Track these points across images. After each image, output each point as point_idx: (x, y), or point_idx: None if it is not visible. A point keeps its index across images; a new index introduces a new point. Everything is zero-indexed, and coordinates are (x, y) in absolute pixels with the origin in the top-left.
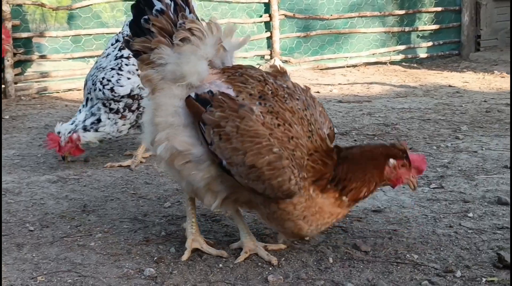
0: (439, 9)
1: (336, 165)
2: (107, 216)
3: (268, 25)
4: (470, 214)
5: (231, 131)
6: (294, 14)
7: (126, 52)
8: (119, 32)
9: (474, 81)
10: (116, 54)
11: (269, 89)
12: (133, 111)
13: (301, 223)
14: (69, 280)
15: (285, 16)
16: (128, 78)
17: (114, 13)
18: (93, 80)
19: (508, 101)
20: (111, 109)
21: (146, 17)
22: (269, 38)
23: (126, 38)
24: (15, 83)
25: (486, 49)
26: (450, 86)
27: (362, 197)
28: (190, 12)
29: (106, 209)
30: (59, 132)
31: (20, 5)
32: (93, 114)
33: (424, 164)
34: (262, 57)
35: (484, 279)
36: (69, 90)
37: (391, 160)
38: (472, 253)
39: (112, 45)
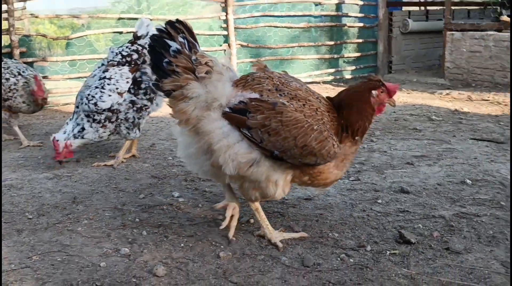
0: (360, 40)
1: (337, 115)
2: (93, 206)
3: (226, 52)
4: (380, 201)
5: (277, 126)
6: (248, 44)
7: (108, 74)
8: (105, 58)
9: None
10: (101, 75)
11: (276, 80)
12: (112, 122)
13: (337, 173)
14: (59, 259)
15: (241, 45)
16: (109, 95)
17: (103, 42)
18: (81, 96)
19: (411, 112)
20: (94, 120)
21: (167, 60)
22: None
23: (154, 82)
24: None
25: (396, 72)
26: None
27: (368, 128)
28: (198, 46)
29: (92, 200)
30: (57, 140)
31: (26, 36)
32: (78, 124)
33: (396, 87)
34: None
35: (388, 252)
36: (67, 104)
37: (373, 92)
38: (380, 232)
39: (98, 67)
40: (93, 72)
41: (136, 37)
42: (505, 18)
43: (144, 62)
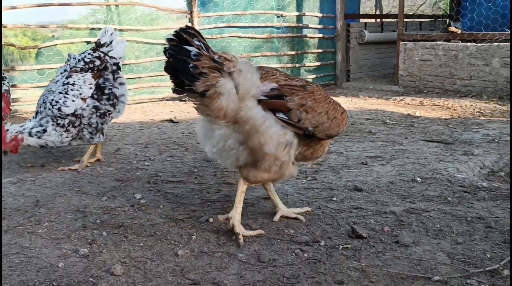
0: (320, 50)
1: None
2: (55, 208)
3: None
4: (335, 198)
5: (312, 103)
6: None
7: (72, 80)
8: (66, 64)
9: (345, 103)
10: (64, 81)
11: (277, 71)
12: (75, 127)
13: (329, 143)
14: (17, 260)
15: None
16: (73, 101)
17: (73, 51)
18: (43, 100)
19: (367, 117)
20: (58, 124)
21: (192, 65)
22: None
23: (188, 87)
24: None
25: (354, 80)
26: None
27: None
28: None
29: (55, 203)
30: (7, 129)
31: None
32: (41, 125)
33: None
34: None
35: (341, 246)
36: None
37: None
38: (334, 228)
39: (61, 73)
40: (56, 77)
41: (99, 45)
42: (453, 29)
43: (106, 68)
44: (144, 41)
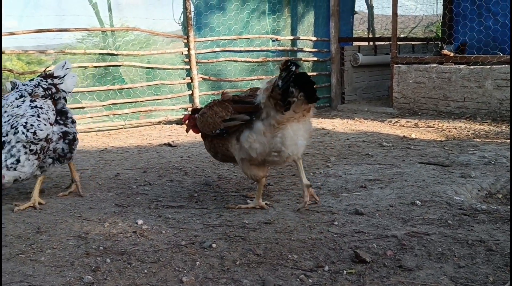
0: (315, 73)
1: None
2: (56, 235)
3: (190, 85)
4: (336, 223)
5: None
6: (209, 77)
7: (39, 104)
8: (16, 90)
9: (340, 125)
10: (30, 104)
11: None
12: (44, 154)
13: None
14: None
15: (203, 78)
16: (45, 124)
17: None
18: (11, 125)
19: (364, 139)
20: (31, 150)
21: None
22: (191, 95)
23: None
24: None
25: (349, 102)
26: (323, 128)
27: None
28: None
29: (56, 230)
30: None
31: None
32: (12, 156)
33: None
34: (186, 109)
35: (345, 271)
36: None
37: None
38: (337, 252)
39: (16, 99)
40: (8, 104)
41: (51, 76)
42: (445, 51)
43: (60, 98)
44: (140, 65)
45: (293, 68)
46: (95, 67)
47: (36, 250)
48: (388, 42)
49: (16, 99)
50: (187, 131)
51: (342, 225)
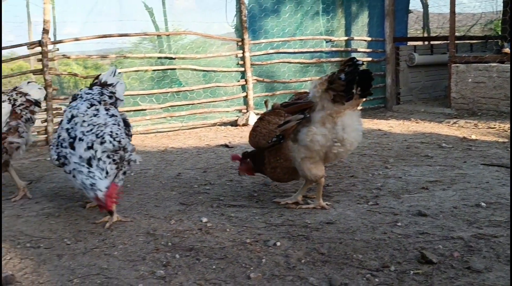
0: None
1: None
2: (126, 231)
3: (244, 87)
4: (399, 224)
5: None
6: (263, 79)
7: (114, 112)
8: (82, 99)
9: (396, 126)
10: (107, 113)
11: None
12: (121, 163)
13: None
14: (98, 281)
15: (257, 80)
16: (122, 133)
17: (129, 80)
18: (96, 134)
19: (422, 140)
20: (113, 160)
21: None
22: (245, 97)
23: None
24: (55, 132)
25: (404, 103)
26: (379, 130)
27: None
28: None
29: (126, 226)
30: (107, 186)
31: (58, 75)
32: (102, 169)
33: None
34: (240, 111)
35: (411, 272)
36: None
37: None
38: (402, 253)
39: (88, 108)
40: (79, 111)
41: (106, 84)
42: (506, 50)
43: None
44: (197, 68)
45: (359, 63)
46: (154, 70)
47: (109, 245)
48: (445, 41)
49: (88, 108)
50: (240, 174)
51: (406, 226)
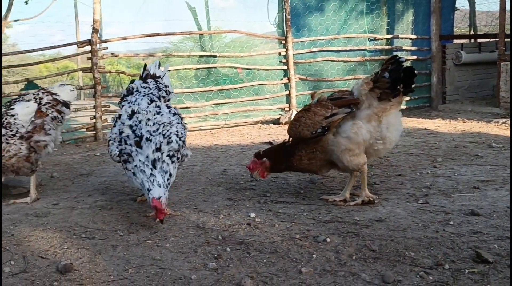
0: None
1: None
2: (177, 225)
3: (287, 86)
4: (451, 222)
5: None
6: (306, 77)
7: (176, 110)
8: (143, 93)
9: (443, 125)
10: (169, 110)
11: None
12: (180, 161)
13: None
14: (153, 272)
15: (300, 79)
16: (185, 131)
17: (174, 78)
18: (163, 135)
19: (470, 140)
20: (177, 159)
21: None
22: (288, 95)
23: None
24: (103, 129)
25: (450, 102)
26: (425, 129)
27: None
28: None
29: (176, 220)
30: (159, 197)
31: (106, 73)
32: (165, 172)
33: None
34: (283, 109)
35: (466, 270)
36: None
37: None
38: (456, 251)
39: (149, 104)
40: (140, 106)
41: (155, 76)
42: None
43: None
44: (240, 67)
45: (403, 60)
46: (197, 69)
47: (161, 237)
48: (493, 39)
49: (149, 104)
50: (256, 177)
51: (458, 225)
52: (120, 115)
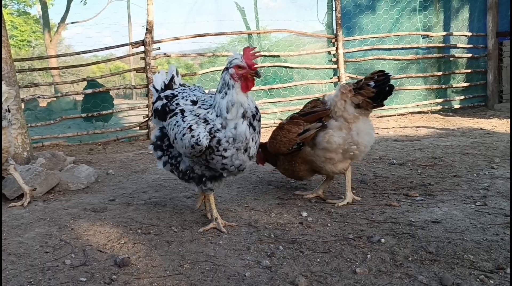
0: (469, 71)
1: None
2: (229, 222)
3: (336, 85)
4: None
5: None
6: (356, 76)
7: None
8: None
9: (500, 125)
10: None
11: None
12: None
13: None
14: (207, 268)
15: (350, 77)
16: None
17: None
18: None
19: None
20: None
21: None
22: None
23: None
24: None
25: (507, 101)
26: (481, 129)
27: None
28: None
29: (228, 217)
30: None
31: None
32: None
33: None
34: None
35: None
36: None
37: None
38: None
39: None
40: (199, 96)
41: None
42: None
43: None
44: (291, 65)
45: (390, 75)
46: None
47: (214, 234)
48: None
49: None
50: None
51: None
52: (179, 111)
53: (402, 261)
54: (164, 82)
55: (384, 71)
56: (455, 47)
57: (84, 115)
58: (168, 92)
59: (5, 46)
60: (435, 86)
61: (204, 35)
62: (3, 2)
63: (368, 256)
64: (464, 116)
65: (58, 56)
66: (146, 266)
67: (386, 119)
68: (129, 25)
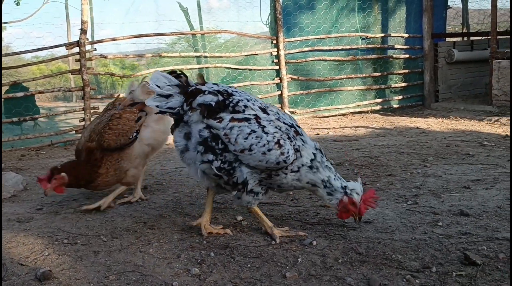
0: (406, 71)
1: None
2: (161, 229)
3: (279, 86)
4: (440, 224)
5: None
6: (298, 77)
7: None
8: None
9: (435, 124)
10: None
11: None
12: None
13: None
14: (134, 278)
15: (291, 79)
16: None
17: None
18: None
19: (462, 138)
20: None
21: None
22: (280, 95)
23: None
24: None
25: (443, 100)
26: (417, 128)
27: None
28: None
29: (161, 224)
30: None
31: (96, 75)
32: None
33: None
34: None
35: (454, 273)
36: None
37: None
38: (443, 253)
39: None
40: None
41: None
42: None
43: None
44: (232, 67)
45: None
46: (190, 69)
47: (145, 242)
48: (485, 37)
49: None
50: (47, 194)
51: (447, 226)
52: (253, 118)
53: (332, 263)
54: (174, 78)
55: (177, 71)
56: (393, 48)
57: (9, 120)
58: (217, 87)
59: None
60: (374, 86)
61: (143, 36)
62: None
63: (299, 259)
64: (403, 116)
65: None
66: (69, 279)
67: (327, 119)
68: (67, 26)
